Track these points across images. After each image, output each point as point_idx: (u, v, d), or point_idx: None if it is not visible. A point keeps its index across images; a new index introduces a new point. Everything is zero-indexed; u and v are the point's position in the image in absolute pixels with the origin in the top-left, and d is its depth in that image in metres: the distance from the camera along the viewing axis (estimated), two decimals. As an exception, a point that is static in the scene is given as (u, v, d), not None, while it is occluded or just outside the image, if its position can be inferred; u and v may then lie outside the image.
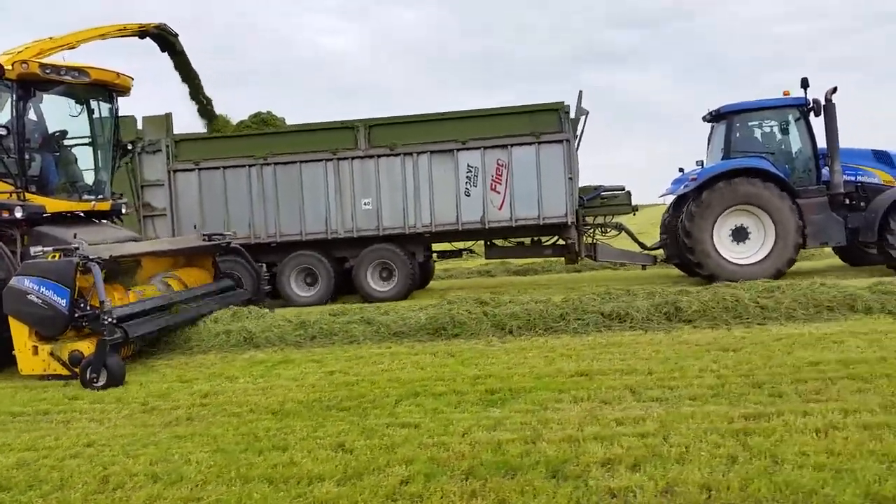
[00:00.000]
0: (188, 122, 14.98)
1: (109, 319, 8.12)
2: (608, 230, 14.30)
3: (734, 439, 4.74)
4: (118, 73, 10.29)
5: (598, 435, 4.99)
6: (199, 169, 13.85)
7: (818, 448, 4.48)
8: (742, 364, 6.76)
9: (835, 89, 12.87)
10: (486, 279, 17.26)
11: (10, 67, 9.26)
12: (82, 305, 8.36)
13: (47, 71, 9.38)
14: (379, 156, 13.49)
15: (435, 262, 15.99)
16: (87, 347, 8.23)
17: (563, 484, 4.20)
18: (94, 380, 7.94)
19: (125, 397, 7.34)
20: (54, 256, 8.55)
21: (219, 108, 14.84)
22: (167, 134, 13.90)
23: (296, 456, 5.00)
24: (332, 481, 4.50)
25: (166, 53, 13.91)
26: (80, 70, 9.77)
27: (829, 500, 3.79)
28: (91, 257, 8.43)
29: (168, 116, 13.97)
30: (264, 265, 12.51)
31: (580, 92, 13.57)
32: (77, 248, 8.51)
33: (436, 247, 14.96)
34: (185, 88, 14.32)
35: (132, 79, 10.65)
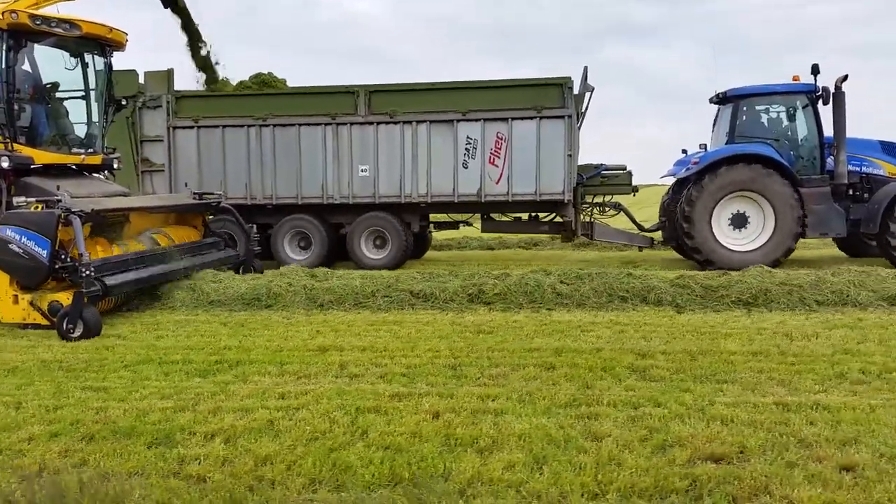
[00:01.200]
0: (190, 79, 14.85)
1: (87, 272, 8.15)
2: (606, 209, 14.15)
3: (378, 414, 5.12)
4: (111, 28, 10.23)
5: (234, 408, 5.31)
6: (199, 127, 13.79)
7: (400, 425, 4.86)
8: (472, 346, 7.10)
9: (845, 77, 12.59)
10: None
11: (0, 17, 9.22)
12: (63, 257, 8.40)
13: (38, 22, 9.33)
14: (378, 123, 13.36)
15: (431, 232, 15.91)
16: (66, 298, 8.31)
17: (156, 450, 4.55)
18: (71, 330, 8.03)
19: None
20: (37, 207, 8.58)
21: (225, 69, 14.80)
22: (168, 90, 13.83)
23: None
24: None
25: (168, 10, 13.84)
26: (71, 23, 9.72)
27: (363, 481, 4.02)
28: (73, 210, 8.46)
29: (170, 72, 13.88)
30: (254, 227, 12.49)
31: (585, 68, 13.36)
32: (60, 201, 8.54)
33: (433, 218, 14.88)
34: (187, 45, 14.24)
35: (126, 34, 10.60)
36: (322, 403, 5.34)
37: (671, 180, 14.27)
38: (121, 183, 13.18)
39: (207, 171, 13.81)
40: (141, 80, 13.84)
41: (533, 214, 14.13)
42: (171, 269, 9.79)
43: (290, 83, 14.90)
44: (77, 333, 7.98)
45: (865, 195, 12.80)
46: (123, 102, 11.32)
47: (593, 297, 9.17)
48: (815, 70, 12.68)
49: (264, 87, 14.40)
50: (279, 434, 4.75)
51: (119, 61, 11.08)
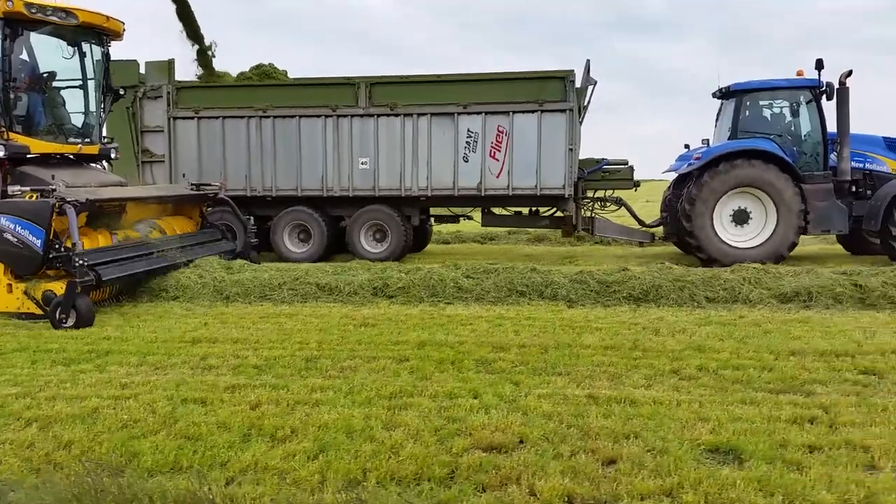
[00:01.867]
0: (191, 69, 14.83)
1: (80, 262, 8.14)
2: (608, 204, 14.06)
3: (200, 405, 5.20)
4: (108, 17, 10.19)
5: (71, 396, 5.43)
6: (199, 117, 13.74)
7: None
8: (344, 339, 7.18)
9: (850, 73, 12.47)
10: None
11: None
12: (57, 246, 8.38)
13: (33, 10, 9.29)
14: (379, 115, 13.29)
15: (432, 226, 15.85)
16: (60, 288, 8.30)
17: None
18: (63, 320, 8.02)
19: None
20: (32, 196, 8.56)
21: (227, 60, 14.77)
22: (169, 80, 13.79)
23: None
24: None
25: (169, -1, 13.80)
26: (67, 11, 9.68)
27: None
28: (68, 199, 8.44)
29: (170, 62, 13.83)
30: (251, 218, 12.45)
31: (587, 61, 13.27)
32: (54, 190, 8.52)
33: (433, 211, 14.82)
34: (186, 37, 14.22)
35: (123, 23, 10.55)
36: (154, 393, 5.46)
37: (673, 175, 14.18)
38: (120, 173, 13.20)
39: (207, 162, 13.76)
40: (142, 70, 13.79)
41: (534, 209, 14.06)
42: (165, 260, 9.76)
43: (294, 73, 14.86)
44: (70, 323, 7.97)
45: (868, 192, 12.68)
46: (121, 92, 11.25)
47: (493, 292, 9.28)
48: (819, 65, 12.58)
49: (265, 79, 14.36)
50: (96, 422, 4.87)
51: (122, 51, 11.04)
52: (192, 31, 14.50)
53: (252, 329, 7.76)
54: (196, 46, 14.65)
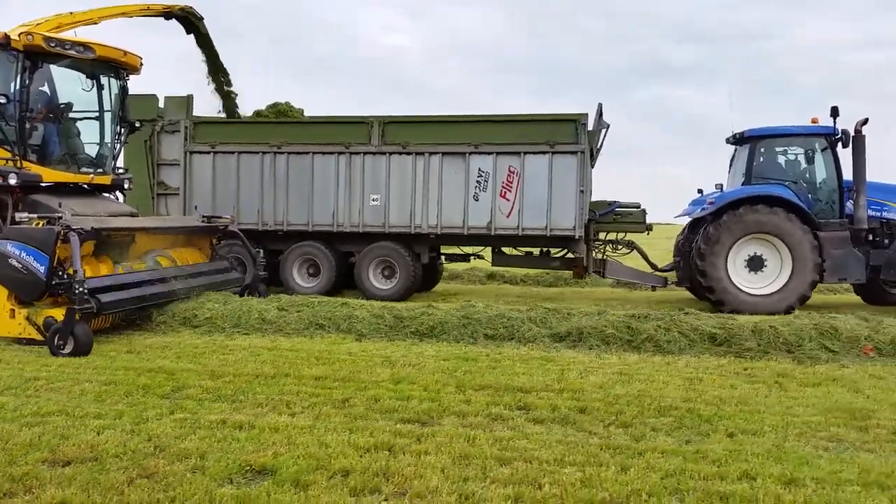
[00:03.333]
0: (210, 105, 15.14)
1: (80, 289, 8.18)
2: (619, 247, 13.95)
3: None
4: (125, 52, 10.42)
5: None
6: (215, 152, 13.95)
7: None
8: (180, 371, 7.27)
9: (865, 120, 12.37)
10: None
11: (16, 38, 9.45)
12: (60, 273, 8.44)
13: (52, 44, 9.54)
14: (391, 153, 13.38)
15: (442, 265, 15.82)
16: (61, 314, 8.31)
17: None
18: (62, 347, 8.05)
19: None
20: (39, 224, 8.66)
21: (244, 100, 15.07)
22: (187, 115, 14.03)
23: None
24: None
25: (192, 36, 14.10)
26: (85, 45, 9.93)
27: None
28: (73, 227, 8.52)
29: (189, 98, 14.10)
30: (261, 251, 12.53)
31: (599, 105, 13.29)
32: (60, 218, 8.61)
33: (444, 249, 14.80)
34: (208, 72, 14.50)
35: (140, 58, 10.78)
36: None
37: (687, 220, 14.05)
38: (136, 205, 13.38)
39: (221, 196, 13.91)
40: (161, 104, 14.05)
41: (545, 249, 13.98)
42: (168, 289, 9.80)
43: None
44: (67, 350, 7.99)
45: (886, 241, 12.48)
46: (137, 125, 11.46)
47: (294, 324, 9.48)
48: (835, 112, 12.45)
49: (280, 116, 14.58)
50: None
51: (149, 85, 11.30)
52: (218, 75, 14.80)
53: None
54: (220, 89, 14.95)
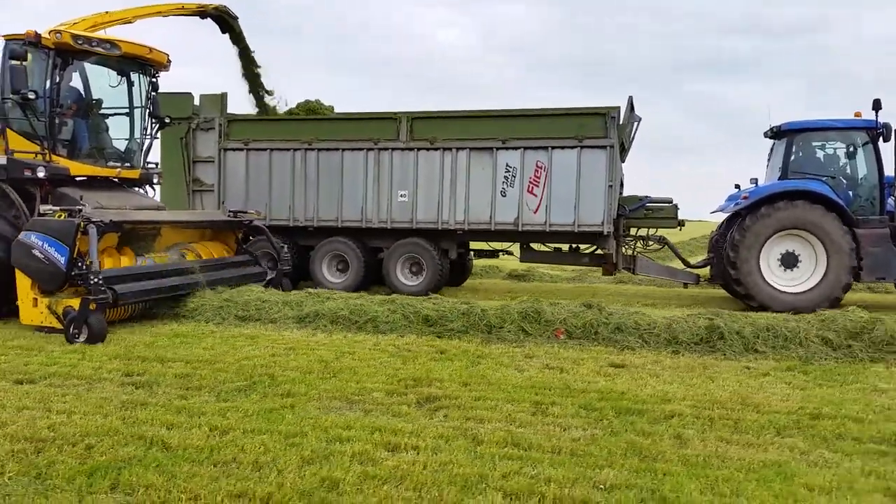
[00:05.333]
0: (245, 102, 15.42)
1: (95, 280, 8.41)
2: (650, 243, 13.66)
3: None
4: (151, 48, 10.68)
5: None
6: (248, 149, 14.18)
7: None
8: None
9: (909, 112, 11.84)
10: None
11: (46, 36, 9.78)
12: (80, 264, 8.69)
13: (80, 42, 9.83)
14: (419, 149, 13.40)
15: (471, 260, 15.76)
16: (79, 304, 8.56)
17: None
18: (76, 335, 8.27)
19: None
20: (60, 216, 8.94)
21: (280, 99, 15.30)
22: (221, 113, 14.30)
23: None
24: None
25: (227, 35, 14.37)
26: (112, 43, 10.21)
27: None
28: (93, 220, 8.78)
29: (223, 95, 14.36)
30: (284, 246, 12.70)
31: (630, 98, 13.07)
32: (80, 210, 8.88)
33: (473, 245, 14.75)
34: (242, 70, 14.75)
35: (167, 55, 11.02)
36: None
37: (724, 216, 13.68)
38: (173, 201, 13.72)
39: (254, 192, 14.14)
40: (196, 102, 14.36)
41: (574, 245, 13.80)
42: (187, 282, 9.99)
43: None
44: (82, 338, 8.23)
45: (928, 239, 11.92)
46: (167, 120, 11.72)
47: (221, 315, 9.64)
48: (877, 106, 11.96)
49: (311, 114, 14.73)
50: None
51: (189, 82, 11.60)
52: (252, 74, 15.05)
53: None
54: (254, 88, 15.20)
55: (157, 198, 12.60)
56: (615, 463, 4.63)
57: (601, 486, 4.24)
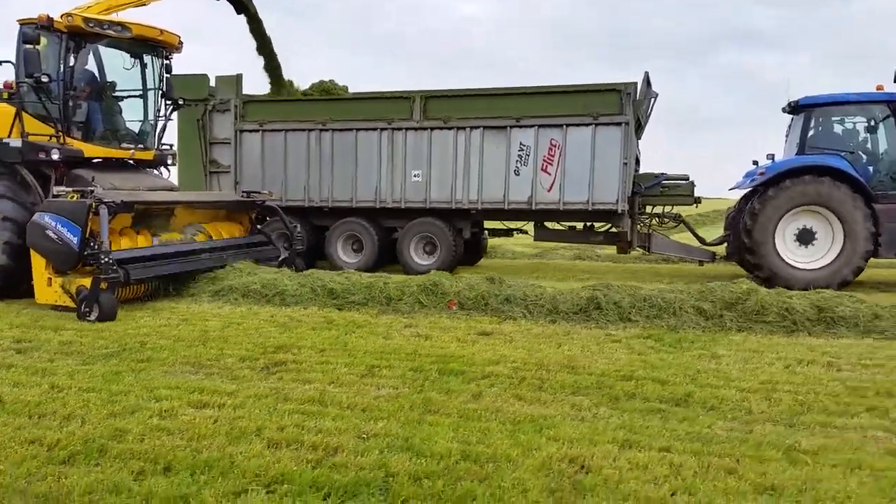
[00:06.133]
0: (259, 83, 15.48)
1: (105, 259, 8.56)
2: (666, 221, 13.54)
3: None
4: (161, 30, 10.76)
5: None
6: (263, 130, 14.27)
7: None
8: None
9: (930, 85, 11.56)
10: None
11: (59, 20, 9.90)
12: (92, 244, 8.85)
13: (91, 25, 9.95)
14: (433, 128, 13.38)
15: (486, 239, 15.76)
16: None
17: None
18: (88, 313, 8.44)
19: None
20: (73, 197, 9.10)
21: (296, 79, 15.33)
22: (237, 94, 14.39)
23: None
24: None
25: (242, 16, 14.43)
26: (122, 25, 10.31)
27: None
28: (105, 200, 8.92)
29: (238, 77, 14.44)
30: (298, 226, 12.80)
31: (646, 73, 12.92)
32: (92, 191, 9.02)
33: (487, 224, 14.74)
34: (258, 50, 14.81)
35: (178, 36, 11.09)
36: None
37: (741, 192, 13.50)
38: (190, 183, 13.88)
39: (270, 174, 14.24)
40: (212, 83, 14.46)
41: (588, 224, 13.73)
42: (199, 262, 10.13)
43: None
44: (93, 316, 8.39)
45: (951, 214, 11.66)
46: (180, 102, 11.83)
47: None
48: (899, 78, 11.70)
49: (325, 94, 14.77)
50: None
51: (207, 63, 11.71)
52: (269, 55, 15.08)
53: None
54: (271, 68, 15.24)
55: (174, 179, 12.77)
56: (395, 416, 4.98)
57: (363, 436, 4.55)
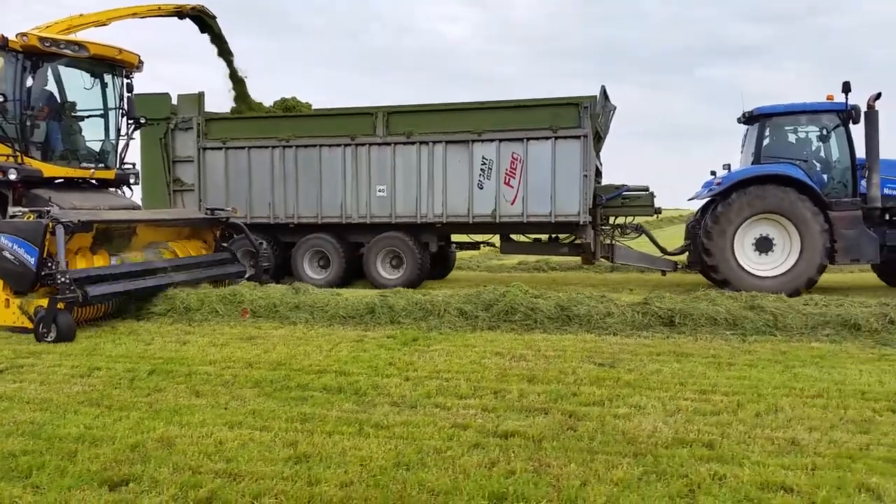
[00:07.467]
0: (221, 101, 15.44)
1: (63, 279, 8.50)
2: (628, 232, 13.73)
3: None
4: (120, 49, 10.76)
5: None
6: (227, 148, 14.27)
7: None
8: None
9: (878, 95, 11.88)
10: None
11: (14, 39, 9.87)
12: (49, 265, 8.78)
13: (46, 44, 9.93)
14: (396, 143, 13.47)
15: (454, 252, 15.85)
16: (49, 304, 8.64)
17: None
18: (45, 334, 8.37)
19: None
20: (30, 217, 9.04)
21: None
22: (199, 112, 14.39)
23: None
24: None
25: (206, 35, 14.44)
26: (79, 44, 10.30)
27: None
28: (61, 220, 8.86)
29: (200, 95, 14.44)
30: (263, 243, 12.80)
31: (602, 87, 13.14)
32: (49, 211, 8.97)
33: (455, 237, 14.83)
34: (223, 68, 14.82)
35: (138, 55, 11.10)
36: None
37: (700, 203, 13.73)
38: (154, 201, 13.82)
39: (234, 191, 14.23)
40: (174, 101, 14.45)
41: (553, 236, 13.88)
42: (161, 281, 10.08)
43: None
44: (51, 338, 8.32)
45: (902, 220, 11.97)
46: (142, 121, 11.80)
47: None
48: (846, 88, 12.00)
49: (288, 111, 14.80)
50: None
51: (168, 82, 11.66)
52: (232, 72, 15.07)
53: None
54: (236, 85, 15.21)
55: (138, 198, 12.71)
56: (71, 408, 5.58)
57: None
